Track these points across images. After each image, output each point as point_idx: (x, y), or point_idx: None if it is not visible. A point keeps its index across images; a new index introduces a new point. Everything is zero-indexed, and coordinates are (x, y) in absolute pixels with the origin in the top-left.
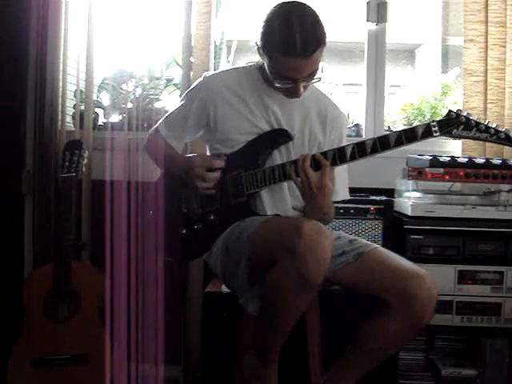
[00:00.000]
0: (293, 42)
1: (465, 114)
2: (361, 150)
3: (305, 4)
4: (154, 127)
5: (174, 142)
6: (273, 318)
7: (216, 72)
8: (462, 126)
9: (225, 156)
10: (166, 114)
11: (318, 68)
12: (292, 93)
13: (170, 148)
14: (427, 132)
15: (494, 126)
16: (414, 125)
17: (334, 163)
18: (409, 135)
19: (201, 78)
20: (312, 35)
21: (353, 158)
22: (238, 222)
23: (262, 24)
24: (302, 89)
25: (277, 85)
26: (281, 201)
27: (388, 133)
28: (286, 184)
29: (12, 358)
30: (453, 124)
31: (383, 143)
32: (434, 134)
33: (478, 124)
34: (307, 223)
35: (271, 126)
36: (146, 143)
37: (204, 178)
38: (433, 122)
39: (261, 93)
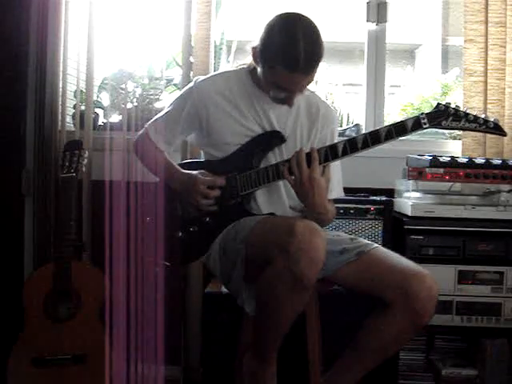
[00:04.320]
0: (296, 58)
1: (453, 105)
2: (352, 145)
3: (307, 17)
4: (142, 131)
5: (163, 145)
6: (268, 318)
7: (206, 77)
8: (451, 118)
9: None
10: (155, 118)
11: (313, 79)
12: (285, 102)
13: (165, 158)
14: (417, 124)
15: (482, 116)
16: None
17: (327, 159)
18: (399, 128)
19: (191, 83)
20: (315, 52)
21: (345, 153)
22: (234, 222)
23: (264, 33)
24: (295, 99)
25: (271, 94)
26: (278, 201)
27: (378, 128)
28: (282, 185)
29: (12, 357)
30: (442, 116)
31: (374, 138)
32: (424, 126)
33: (466, 115)
34: (300, 223)
35: (263, 128)
36: (135, 147)
37: (207, 195)
38: (422, 114)
39: (251, 95)
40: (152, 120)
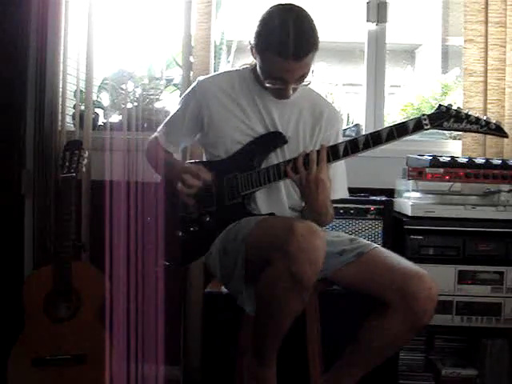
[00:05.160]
0: (286, 43)
1: (455, 107)
2: (353, 146)
3: (301, 8)
4: (154, 135)
5: (171, 147)
6: (268, 318)
7: (209, 75)
8: (452, 119)
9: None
10: (165, 121)
11: (309, 71)
12: (281, 94)
13: (169, 154)
14: (418, 125)
15: (484, 117)
16: None
17: (328, 160)
18: (400, 129)
19: (195, 83)
20: (306, 39)
21: (346, 154)
22: (235, 222)
23: (258, 23)
24: (291, 90)
25: (267, 84)
26: (277, 201)
27: (379, 129)
28: (282, 185)
29: (12, 358)
30: (443, 117)
31: (375, 139)
32: (425, 127)
33: (468, 116)
34: (300, 223)
35: (266, 128)
36: (147, 151)
37: (184, 181)
38: (423, 115)
39: (254, 95)
40: (162, 125)
